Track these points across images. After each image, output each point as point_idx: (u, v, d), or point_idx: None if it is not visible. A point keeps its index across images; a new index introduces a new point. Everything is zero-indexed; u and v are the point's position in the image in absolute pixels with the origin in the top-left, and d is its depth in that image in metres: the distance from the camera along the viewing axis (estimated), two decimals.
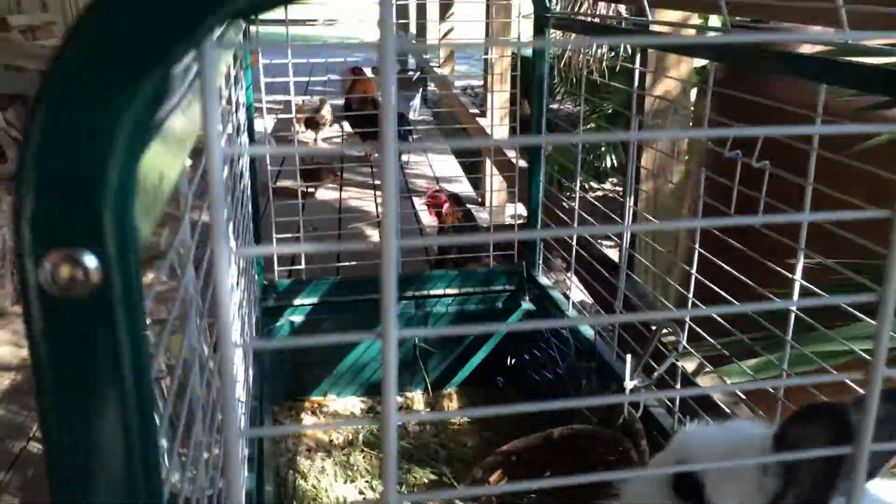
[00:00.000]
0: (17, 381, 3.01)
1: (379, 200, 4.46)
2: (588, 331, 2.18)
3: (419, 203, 4.00)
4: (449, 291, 2.62)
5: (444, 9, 7.19)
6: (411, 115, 6.70)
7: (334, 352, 2.55)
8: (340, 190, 5.18)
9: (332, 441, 2.38)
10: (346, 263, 3.67)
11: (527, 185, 2.53)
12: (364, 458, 2.31)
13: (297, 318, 2.52)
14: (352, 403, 2.57)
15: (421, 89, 7.35)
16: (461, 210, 3.27)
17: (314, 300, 2.54)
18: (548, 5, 2.38)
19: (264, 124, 2.56)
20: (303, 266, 2.58)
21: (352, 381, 2.60)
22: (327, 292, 2.55)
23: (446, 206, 3.23)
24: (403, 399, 2.61)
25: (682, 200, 3.06)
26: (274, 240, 2.61)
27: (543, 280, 2.57)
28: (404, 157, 5.71)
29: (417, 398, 2.62)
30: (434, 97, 7.83)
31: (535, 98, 2.45)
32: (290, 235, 2.74)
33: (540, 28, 2.42)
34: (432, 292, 2.61)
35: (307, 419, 2.48)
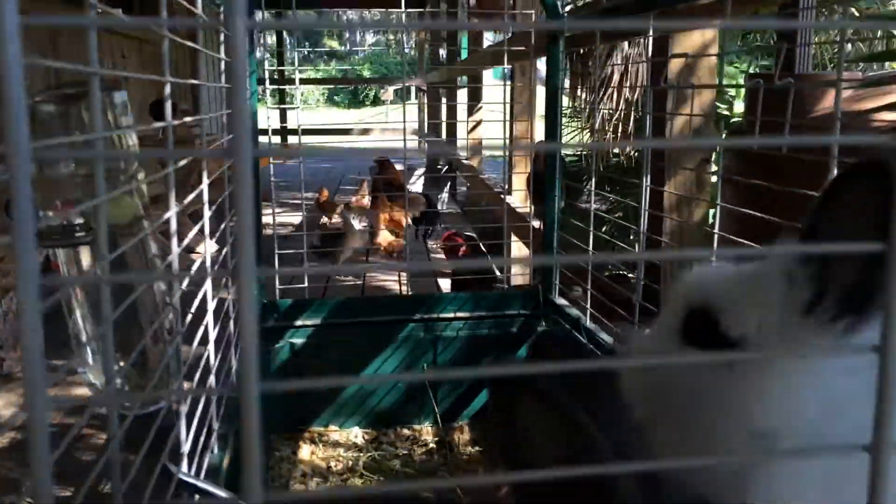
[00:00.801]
0: (16, 440, 2.90)
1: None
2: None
3: (434, 245, 3.89)
4: (461, 315, 2.46)
5: (471, 109, 7.34)
6: (439, 207, 6.71)
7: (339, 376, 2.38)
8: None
9: (329, 468, 2.18)
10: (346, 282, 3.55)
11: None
12: (364, 482, 2.09)
13: (299, 340, 2.38)
14: (354, 434, 2.37)
15: (449, 184, 7.40)
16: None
17: (316, 321, 2.40)
18: (560, 12, 2.35)
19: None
20: (305, 284, 2.46)
21: (355, 411, 2.41)
22: (330, 313, 2.41)
23: (463, 249, 3.11)
24: (411, 432, 2.40)
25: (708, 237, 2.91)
26: (276, 258, 2.50)
27: (560, 301, 2.41)
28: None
29: (426, 430, 2.41)
30: (463, 191, 7.90)
31: (549, 110, 2.39)
32: (292, 251, 2.62)
33: (554, 38, 2.38)
34: (443, 315, 2.45)
35: (305, 448, 2.28)
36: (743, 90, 3.99)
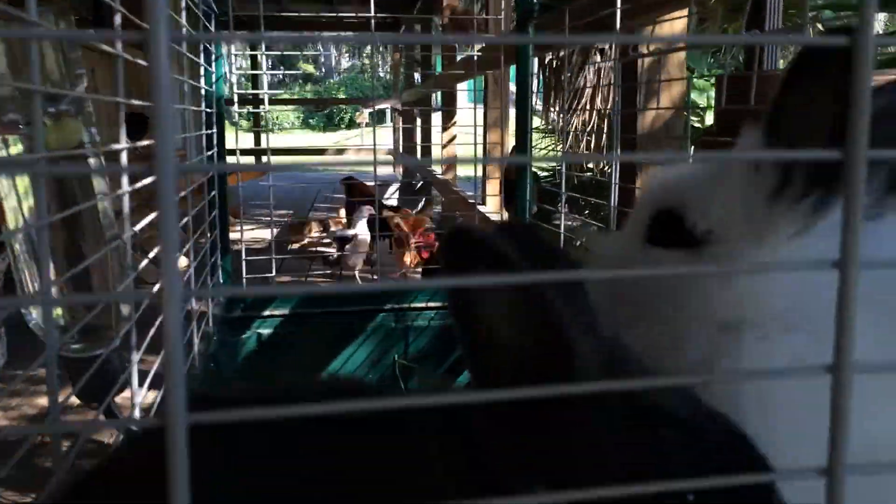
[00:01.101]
0: None
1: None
2: None
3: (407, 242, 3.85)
4: (432, 304, 2.42)
5: (446, 122, 7.37)
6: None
7: (307, 368, 2.33)
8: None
9: None
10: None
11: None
12: None
13: (266, 331, 2.32)
14: None
15: (424, 199, 7.40)
16: None
17: (285, 311, 2.35)
18: (532, 2, 2.35)
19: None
20: (273, 273, 2.42)
21: None
22: (299, 304, 2.37)
23: (437, 245, 3.09)
24: None
25: None
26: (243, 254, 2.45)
27: None
28: None
29: None
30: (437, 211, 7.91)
31: (519, 105, 2.38)
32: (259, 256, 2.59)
33: (524, 22, 2.38)
34: (415, 305, 2.42)
35: None
36: (713, 103, 4.03)
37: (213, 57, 2.22)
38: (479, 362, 0.64)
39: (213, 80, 2.20)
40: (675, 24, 2.70)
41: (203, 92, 2.06)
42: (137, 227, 1.13)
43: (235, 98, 2.69)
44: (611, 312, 0.73)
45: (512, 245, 0.60)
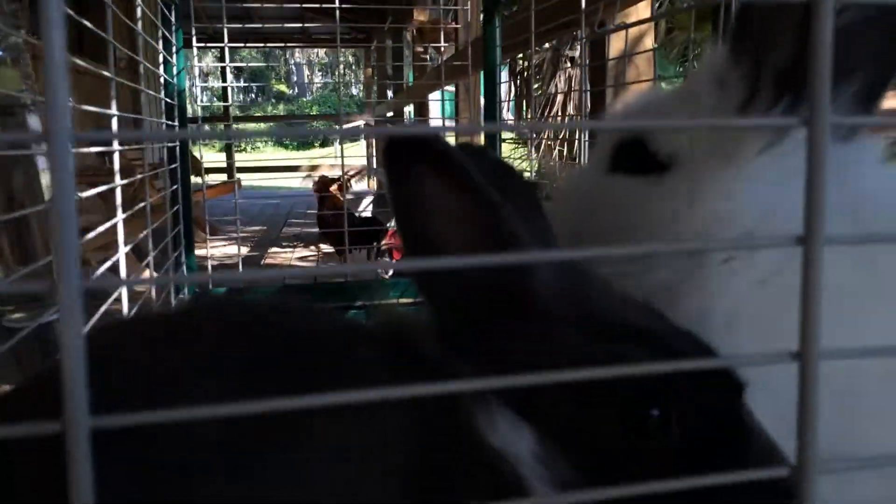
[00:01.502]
0: None
1: None
2: None
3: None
4: (403, 300, 2.38)
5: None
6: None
7: None
8: None
9: None
10: None
11: None
12: None
13: None
14: None
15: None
16: None
17: None
18: None
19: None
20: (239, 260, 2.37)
21: None
22: None
23: None
24: None
25: None
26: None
27: None
28: None
29: None
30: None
31: (487, 87, 2.36)
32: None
33: (490, 14, 2.37)
34: (385, 301, 2.38)
35: None
36: None
37: (174, 49, 2.18)
38: (426, 275, 0.60)
39: (175, 71, 2.16)
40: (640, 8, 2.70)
41: (163, 80, 2.02)
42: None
43: (200, 112, 2.67)
44: (573, 244, 0.70)
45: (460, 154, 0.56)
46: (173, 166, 2.09)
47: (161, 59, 2.00)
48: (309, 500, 0.47)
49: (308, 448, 0.49)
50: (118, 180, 1.32)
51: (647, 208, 0.72)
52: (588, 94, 1.90)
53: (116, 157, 1.34)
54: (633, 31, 2.73)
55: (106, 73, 1.27)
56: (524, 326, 0.58)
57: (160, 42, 1.99)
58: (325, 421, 0.50)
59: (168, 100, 2.06)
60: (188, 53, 2.86)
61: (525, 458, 0.52)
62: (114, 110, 1.31)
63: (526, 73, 5.92)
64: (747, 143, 0.69)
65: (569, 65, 5.69)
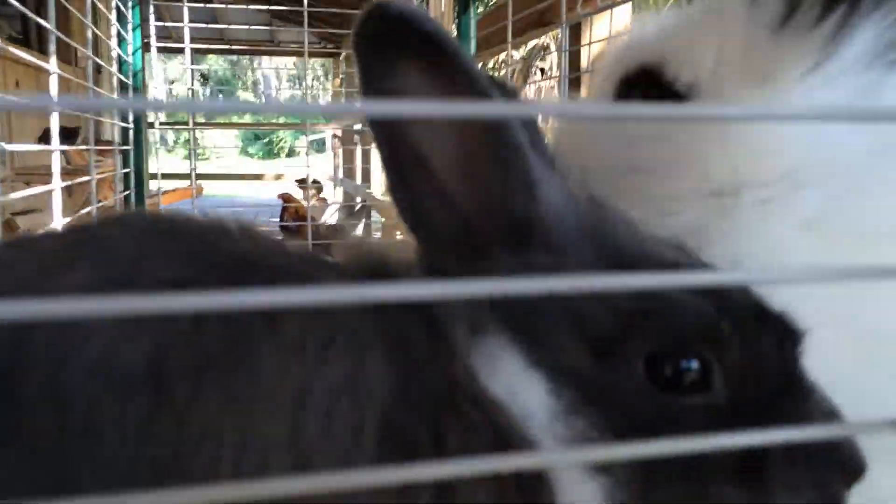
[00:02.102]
0: None
1: None
2: None
3: None
4: None
5: None
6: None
7: None
8: None
9: None
10: None
11: None
12: None
13: None
14: None
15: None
16: None
17: None
18: None
19: None
20: None
21: None
22: None
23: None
24: None
25: None
26: None
27: None
28: None
29: None
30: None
31: None
32: None
33: (464, 6, 2.28)
34: None
35: None
36: None
37: (130, 26, 2.04)
38: (412, 199, 0.49)
39: (130, 50, 2.03)
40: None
41: (116, 55, 1.89)
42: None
43: (164, 118, 2.56)
44: (580, 167, 0.59)
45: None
46: (125, 148, 1.96)
47: (114, 32, 1.86)
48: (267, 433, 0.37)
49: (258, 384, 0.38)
50: (57, 181, 1.21)
51: (668, 144, 0.62)
52: (567, 79, 1.81)
53: (56, 156, 1.23)
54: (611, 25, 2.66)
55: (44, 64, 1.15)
56: (530, 259, 0.47)
57: (113, 13, 1.85)
58: (283, 356, 0.39)
59: (122, 77, 1.92)
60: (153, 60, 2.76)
61: (534, 413, 0.41)
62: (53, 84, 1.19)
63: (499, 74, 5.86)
64: (787, 63, 0.59)
65: (539, 76, 5.65)
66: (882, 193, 0.56)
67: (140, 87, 2.24)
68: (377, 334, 0.42)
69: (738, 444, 0.39)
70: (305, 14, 2.56)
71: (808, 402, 0.46)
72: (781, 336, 0.46)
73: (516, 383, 0.42)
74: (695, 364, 0.45)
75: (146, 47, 2.41)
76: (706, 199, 0.59)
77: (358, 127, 7.52)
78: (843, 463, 0.44)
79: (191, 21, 2.57)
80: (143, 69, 2.25)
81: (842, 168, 0.56)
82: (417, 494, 0.37)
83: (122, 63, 2.04)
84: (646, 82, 0.66)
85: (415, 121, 0.48)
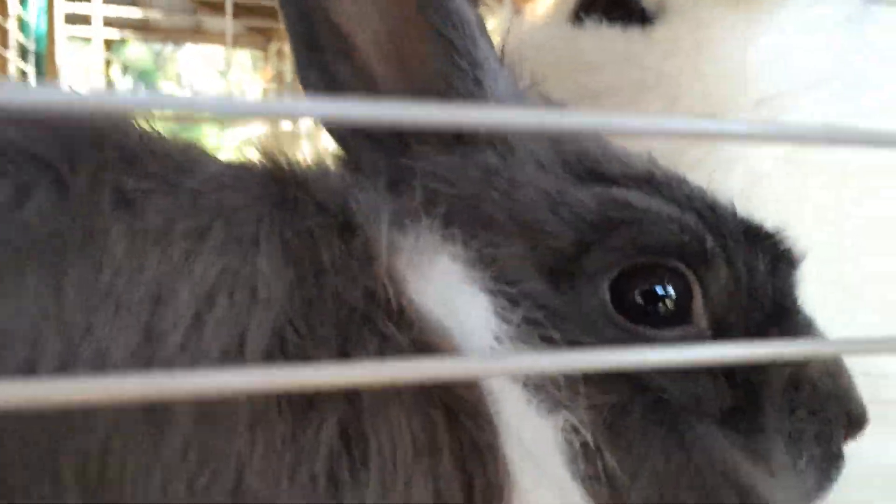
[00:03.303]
0: None
1: None
2: None
3: None
4: None
5: None
6: None
7: None
8: None
9: None
10: None
11: None
12: None
13: None
14: None
15: None
16: None
17: None
18: None
19: None
20: None
21: None
22: None
23: None
24: None
25: None
26: None
27: None
28: None
29: None
30: None
31: None
32: None
33: None
34: None
35: None
36: None
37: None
38: (330, 80, 0.40)
39: (31, 9, 1.85)
40: None
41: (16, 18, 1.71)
42: None
43: None
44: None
45: None
46: None
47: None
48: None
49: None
50: None
51: (634, 68, 0.55)
52: None
53: None
54: None
55: None
56: (473, 159, 0.38)
57: None
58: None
59: (23, 41, 1.74)
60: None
61: (474, 336, 0.32)
62: None
63: None
64: None
65: None
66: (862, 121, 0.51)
67: (44, 53, 2.07)
68: (273, 227, 0.32)
69: (717, 360, 0.30)
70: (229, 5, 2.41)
71: (804, 337, 0.38)
72: (775, 258, 0.38)
73: (453, 298, 0.32)
74: (671, 290, 0.37)
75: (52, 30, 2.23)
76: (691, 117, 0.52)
77: (290, 125, 7.36)
78: (849, 414, 0.36)
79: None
80: (49, 33, 2.08)
81: (821, 93, 0.49)
82: (318, 420, 0.28)
83: (23, 24, 1.87)
84: (607, 2, 0.59)
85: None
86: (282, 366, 0.21)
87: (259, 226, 0.32)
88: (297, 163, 0.38)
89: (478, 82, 0.38)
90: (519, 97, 0.42)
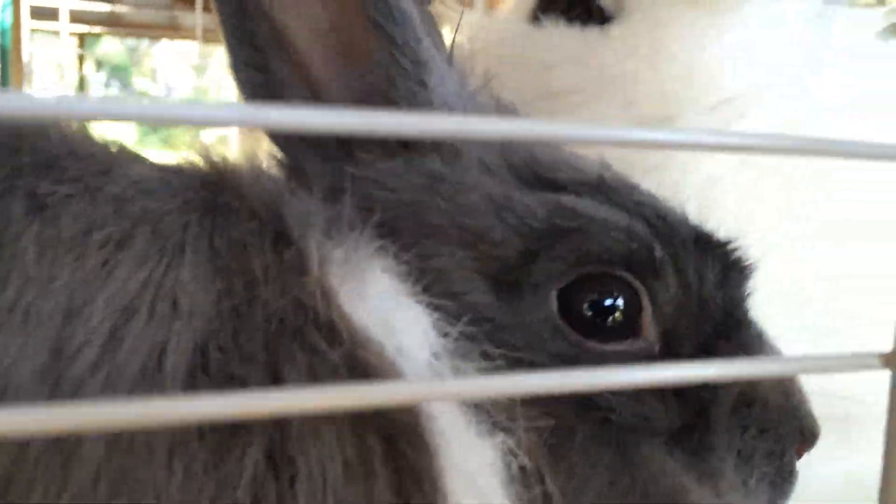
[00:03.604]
0: None
1: None
2: None
3: None
4: None
5: None
6: None
7: None
8: None
9: None
10: None
11: None
12: None
13: None
14: None
15: None
16: None
17: None
18: None
19: None
20: None
21: None
22: None
23: None
24: None
25: None
26: None
27: None
28: None
29: None
30: None
31: None
32: None
33: None
34: None
35: None
36: None
37: None
38: (258, 69, 0.38)
39: None
40: None
41: None
42: None
43: None
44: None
45: None
46: None
47: None
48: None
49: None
50: None
51: (591, 68, 0.54)
52: None
53: None
54: None
55: None
56: (417, 165, 0.36)
57: None
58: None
59: None
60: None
61: (412, 352, 0.30)
62: None
63: None
64: None
65: None
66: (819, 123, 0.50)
67: (9, 47, 2.03)
68: (201, 234, 0.30)
69: (662, 381, 0.29)
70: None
71: (754, 352, 0.37)
72: (726, 267, 0.37)
73: (389, 311, 0.31)
74: (620, 301, 0.35)
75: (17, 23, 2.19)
76: (634, 127, 0.51)
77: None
78: (801, 430, 0.35)
79: None
80: (15, 27, 2.04)
81: (782, 93, 0.49)
82: (243, 446, 0.26)
83: None
84: (567, 1, 0.58)
85: None
86: (201, 395, 0.19)
87: (185, 233, 0.30)
88: (231, 165, 0.36)
89: (422, 83, 0.37)
90: (467, 98, 0.40)
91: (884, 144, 0.27)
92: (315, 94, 0.37)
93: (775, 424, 0.35)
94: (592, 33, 0.57)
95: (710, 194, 0.48)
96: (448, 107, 0.38)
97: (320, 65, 0.37)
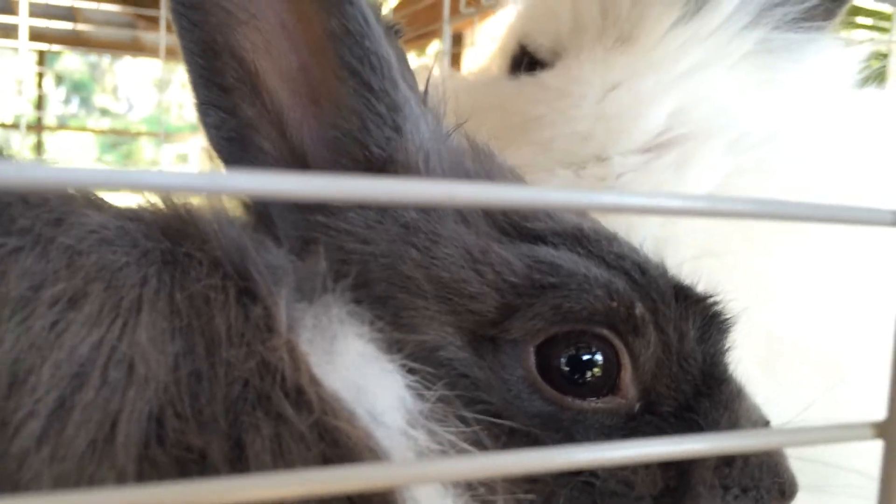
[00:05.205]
0: None
1: None
2: None
3: None
4: None
5: None
6: None
7: None
8: None
9: None
10: None
11: None
12: None
13: None
14: None
15: None
16: None
17: None
18: None
19: None
20: None
21: None
22: None
23: None
24: None
25: None
26: None
27: None
28: None
29: None
30: None
31: None
32: None
33: None
34: None
35: None
36: None
37: None
38: (227, 112, 0.36)
39: None
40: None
41: None
42: None
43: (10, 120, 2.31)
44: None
45: None
46: None
47: None
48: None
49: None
50: None
51: (508, 113, 0.56)
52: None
53: None
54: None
55: None
56: (393, 210, 0.35)
57: None
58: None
59: None
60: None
61: (386, 416, 0.29)
62: None
63: None
64: (650, 19, 0.53)
65: None
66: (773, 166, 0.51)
67: None
68: (160, 290, 0.28)
69: (646, 457, 0.28)
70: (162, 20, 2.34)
71: (735, 409, 0.36)
72: (706, 322, 0.36)
73: (361, 376, 0.29)
74: (599, 357, 0.34)
75: None
76: (560, 171, 0.52)
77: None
78: (781, 486, 0.34)
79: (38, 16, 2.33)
80: None
81: (716, 130, 0.49)
82: None
83: None
84: (527, 58, 0.60)
85: (239, 18, 0.35)
86: (153, 485, 0.17)
87: (144, 288, 0.28)
88: (194, 211, 0.34)
89: (397, 129, 0.35)
90: (441, 142, 0.39)
91: (855, 208, 0.27)
92: (284, 138, 0.36)
93: (756, 483, 0.34)
94: (515, 82, 0.60)
95: (671, 235, 0.48)
96: (422, 151, 0.37)
97: (291, 107, 0.36)
